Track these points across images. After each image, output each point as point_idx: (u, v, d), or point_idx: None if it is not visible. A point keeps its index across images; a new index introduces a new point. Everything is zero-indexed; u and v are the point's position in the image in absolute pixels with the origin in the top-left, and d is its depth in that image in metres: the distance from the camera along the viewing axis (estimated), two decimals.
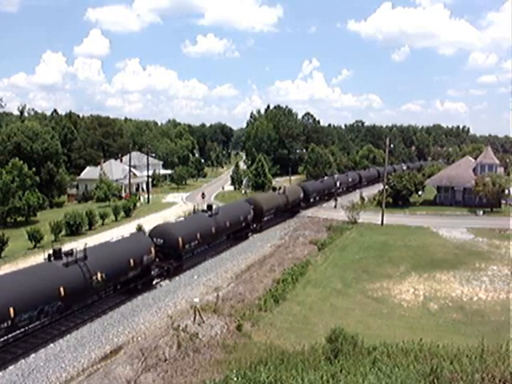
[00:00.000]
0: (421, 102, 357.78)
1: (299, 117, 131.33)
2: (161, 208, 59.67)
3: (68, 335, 21.06)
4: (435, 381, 10.90)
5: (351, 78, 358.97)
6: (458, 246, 36.88)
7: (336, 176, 73.22)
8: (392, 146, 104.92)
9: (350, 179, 77.53)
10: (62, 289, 20.20)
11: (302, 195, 54.96)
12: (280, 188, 52.40)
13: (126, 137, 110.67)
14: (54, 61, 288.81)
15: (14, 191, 50.31)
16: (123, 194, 71.09)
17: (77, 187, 79.20)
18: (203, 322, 22.17)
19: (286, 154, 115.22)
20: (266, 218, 45.40)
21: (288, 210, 51.17)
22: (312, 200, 59.29)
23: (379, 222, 46.26)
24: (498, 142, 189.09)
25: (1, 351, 18.87)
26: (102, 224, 48.05)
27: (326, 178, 70.05)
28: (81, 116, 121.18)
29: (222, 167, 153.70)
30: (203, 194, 61.77)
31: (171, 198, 71.49)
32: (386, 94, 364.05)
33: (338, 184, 68.48)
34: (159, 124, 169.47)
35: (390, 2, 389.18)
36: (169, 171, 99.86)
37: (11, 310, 17.74)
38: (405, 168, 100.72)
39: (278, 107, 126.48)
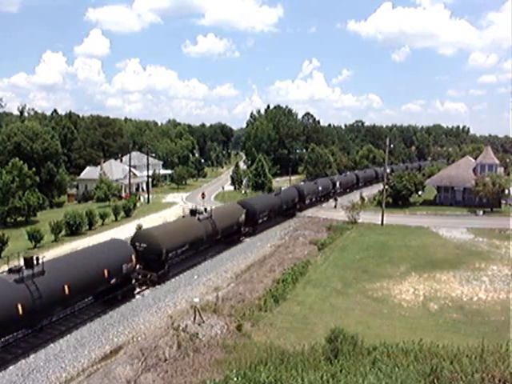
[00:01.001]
0: (421, 102, 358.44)
1: (299, 117, 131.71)
2: (161, 208, 59.68)
3: (68, 335, 21.06)
4: (435, 381, 10.92)
5: (351, 77, 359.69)
6: (457, 246, 36.87)
7: (301, 184, 60.86)
8: (392, 146, 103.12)
9: (320, 188, 61.53)
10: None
11: (242, 218, 38.85)
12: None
13: (126, 137, 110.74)
14: (54, 61, 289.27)
15: (14, 191, 50.30)
16: (123, 194, 71.10)
17: (77, 187, 79.22)
18: (203, 321, 22.17)
19: (286, 153, 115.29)
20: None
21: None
22: (259, 223, 42.77)
23: (379, 222, 46.25)
24: (498, 142, 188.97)
25: (1, 351, 18.87)
26: (102, 224, 48.06)
27: (283, 188, 56.06)
28: (81, 116, 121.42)
29: (222, 167, 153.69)
30: (203, 194, 61.81)
31: (171, 198, 71.50)
32: (386, 93, 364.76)
33: (304, 193, 54.55)
34: (159, 124, 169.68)
35: (390, 2, 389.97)
36: (169, 171, 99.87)
37: None
38: (388, 171, 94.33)
39: (277, 107, 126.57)
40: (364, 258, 34.28)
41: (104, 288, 23.53)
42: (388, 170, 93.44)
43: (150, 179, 77.40)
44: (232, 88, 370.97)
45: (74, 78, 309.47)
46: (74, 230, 43.30)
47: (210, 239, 33.97)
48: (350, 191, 75.79)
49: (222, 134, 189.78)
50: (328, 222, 48.71)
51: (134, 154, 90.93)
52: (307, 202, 55.95)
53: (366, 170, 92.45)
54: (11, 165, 52.85)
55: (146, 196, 68.12)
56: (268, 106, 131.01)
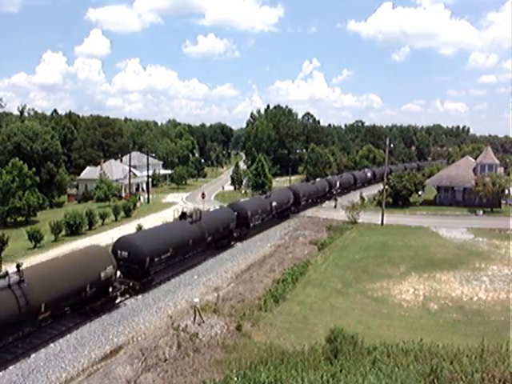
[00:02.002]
0: (421, 102, 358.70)
1: (299, 117, 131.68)
2: (161, 208, 59.70)
3: (68, 335, 21.04)
4: (435, 381, 10.92)
5: (351, 78, 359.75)
6: (458, 246, 36.86)
7: (243, 200, 43.36)
8: (392, 145, 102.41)
9: (275, 203, 45.31)
10: None
11: (110, 270, 22.94)
12: None
13: (125, 137, 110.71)
14: (55, 61, 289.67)
15: (14, 191, 50.30)
16: (123, 194, 71.13)
17: (77, 187, 79.22)
18: (203, 321, 22.17)
19: (286, 153, 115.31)
20: None
21: None
22: (154, 273, 27.76)
23: (379, 222, 46.25)
24: (498, 142, 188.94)
25: (1, 351, 18.84)
26: (102, 224, 48.07)
27: (219, 208, 40.10)
28: (81, 116, 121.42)
29: (222, 167, 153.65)
30: (203, 193, 61.75)
31: (171, 198, 71.52)
32: (386, 94, 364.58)
33: (247, 214, 39.09)
34: (159, 124, 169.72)
35: (391, 2, 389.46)
36: (169, 171, 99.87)
37: None
38: (369, 175, 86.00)
39: (278, 107, 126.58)
40: (364, 257, 34.28)
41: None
42: (369, 175, 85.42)
43: (150, 179, 77.41)
44: (232, 88, 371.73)
45: (74, 78, 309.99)
46: (74, 230, 43.32)
47: (24, 321, 18.72)
48: (320, 201, 61.47)
49: (222, 134, 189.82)
50: (328, 221, 48.70)
51: (134, 154, 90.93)
52: (253, 224, 41.29)
53: (343, 175, 76.20)
54: (11, 165, 52.83)
55: (146, 196, 68.13)
56: (268, 106, 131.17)
